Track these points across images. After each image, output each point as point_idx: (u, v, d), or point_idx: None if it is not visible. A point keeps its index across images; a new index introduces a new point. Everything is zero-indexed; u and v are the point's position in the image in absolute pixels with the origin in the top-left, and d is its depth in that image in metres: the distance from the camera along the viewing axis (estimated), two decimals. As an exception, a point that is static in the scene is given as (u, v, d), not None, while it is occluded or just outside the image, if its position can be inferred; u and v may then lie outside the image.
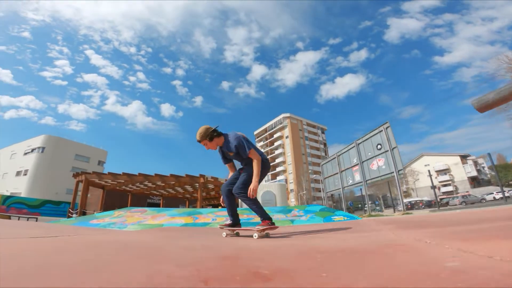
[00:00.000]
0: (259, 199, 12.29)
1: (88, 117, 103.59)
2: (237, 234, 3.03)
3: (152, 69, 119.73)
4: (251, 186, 2.70)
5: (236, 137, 2.79)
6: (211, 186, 20.47)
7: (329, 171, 15.95)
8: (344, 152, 14.10)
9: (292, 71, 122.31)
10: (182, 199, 29.67)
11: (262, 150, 72.69)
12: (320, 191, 57.26)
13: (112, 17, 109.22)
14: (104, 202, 21.28)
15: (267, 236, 2.77)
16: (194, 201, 29.16)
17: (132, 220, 7.59)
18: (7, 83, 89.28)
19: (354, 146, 13.11)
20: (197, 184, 18.33)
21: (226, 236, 2.90)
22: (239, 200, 3.18)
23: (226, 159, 3.06)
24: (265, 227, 2.67)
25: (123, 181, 18.30)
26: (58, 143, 38.63)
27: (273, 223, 2.76)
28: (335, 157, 15.14)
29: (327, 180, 16.18)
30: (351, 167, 13.32)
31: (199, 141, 2.82)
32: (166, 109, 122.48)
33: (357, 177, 12.71)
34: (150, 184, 20.19)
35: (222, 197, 3.01)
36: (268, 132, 75.30)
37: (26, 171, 36.86)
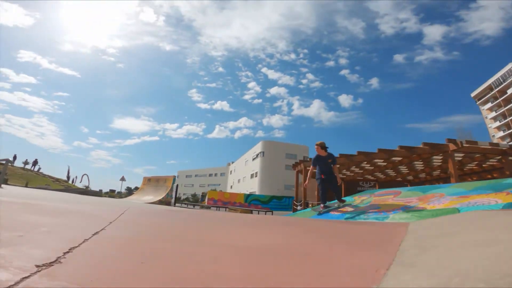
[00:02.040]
0: None
1: (284, 124, 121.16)
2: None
3: (316, 67, 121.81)
4: (338, 180, 5.38)
5: (334, 155, 5.39)
6: (438, 160, 14.41)
7: None
8: None
9: (488, 19, 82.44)
10: (401, 182, 24.52)
11: (493, 114, 52.95)
12: None
13: (262, 35, 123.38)
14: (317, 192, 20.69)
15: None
16: (418, 183, 23.12)
17: (388, 207, 4.85)
18: (227, 111, 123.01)
19: None
20: (436, 158, 13.26)
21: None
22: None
23: (315, 164, 5.43)
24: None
25: (338, 165, 16.88)
26: (272, 146, 46.12)
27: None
28: None
29: None
30: None
31: (317, 145, 5.28)
32: (344, 99, 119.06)
33: None
34: (368, 167, 17.46)
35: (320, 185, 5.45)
36: (497, 90, 50.99)
37: (256, 173, 46.57)
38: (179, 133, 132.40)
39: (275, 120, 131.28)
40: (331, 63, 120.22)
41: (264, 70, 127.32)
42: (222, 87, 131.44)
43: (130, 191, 47.12)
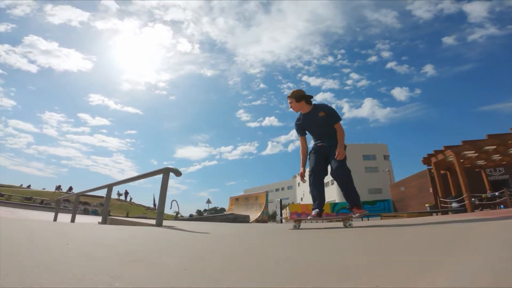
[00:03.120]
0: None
1: None
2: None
3: (358, 66, 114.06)
4: (340, 150, 3.07)
5: (329, 105, 3.19)
6: None
7: None
8: None
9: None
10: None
11: None
12: None
13: (293, 44, 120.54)
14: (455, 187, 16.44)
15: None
16: None
17: None
18: (276, 125, 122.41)
19: None
20: None
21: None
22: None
23: (302, 131, 3.31)
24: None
25: (473, 153, 13.28)
26: (347, 149, 42.11)
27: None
28: None
29: None
30: None
31: (289, 96, 3.12)
32: (399, 93, 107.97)
33: None
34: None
35: (312, 179, 3.21)
36: None
37: (332, 180, 43.00)
38: (234, 154, 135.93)
39: None
40: (373, 59, 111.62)
41: (305, 78, 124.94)
42: (267, 103, 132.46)
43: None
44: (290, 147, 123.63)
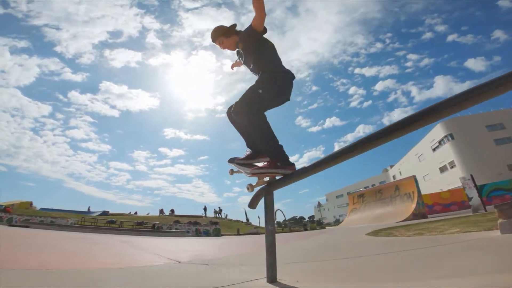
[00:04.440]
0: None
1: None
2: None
3: (413, 45, 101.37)
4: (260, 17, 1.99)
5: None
6: None
7: None
8: None
9: None
10: None
11: None
12: None
13: (334, 39, 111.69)
14: None
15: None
16: None
17: None
18: (339, 125, 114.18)
19: None
20: None
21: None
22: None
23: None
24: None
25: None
26: (462, 123, 34.56)
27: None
28: None
29: None
30: None
31: (213, 41, 2.35)
32: (474, 64, 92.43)
33: None
34: None
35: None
36: None
37: (449, 163, 35.55)
38: (301, 162, 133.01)
39: (398, 115, 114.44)
40: (428, 35, 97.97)
41: (357, 71, 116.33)
42: (324, 104, 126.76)
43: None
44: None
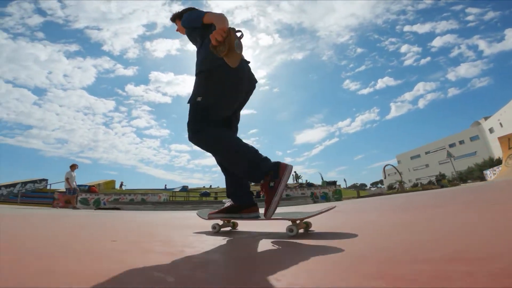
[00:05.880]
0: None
1: (482, 70, 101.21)
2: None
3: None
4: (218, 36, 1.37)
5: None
6: None
7: None
8: None
9: None
10: None
11: None
12: None
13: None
14: None
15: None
16: None
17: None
18: (393, 85, 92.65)
19: None
20: None
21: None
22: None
23: None
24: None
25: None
26: None
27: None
28: None
29: None
30: None
31: (172, 20, 2.10)
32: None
33: None
34: None
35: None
36: None
37: None
38: (354, 127, 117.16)
39: (465, 70, 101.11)
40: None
41: (407, 28, 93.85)
42: (374, 65, 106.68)
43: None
44: (421, 103, 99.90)
